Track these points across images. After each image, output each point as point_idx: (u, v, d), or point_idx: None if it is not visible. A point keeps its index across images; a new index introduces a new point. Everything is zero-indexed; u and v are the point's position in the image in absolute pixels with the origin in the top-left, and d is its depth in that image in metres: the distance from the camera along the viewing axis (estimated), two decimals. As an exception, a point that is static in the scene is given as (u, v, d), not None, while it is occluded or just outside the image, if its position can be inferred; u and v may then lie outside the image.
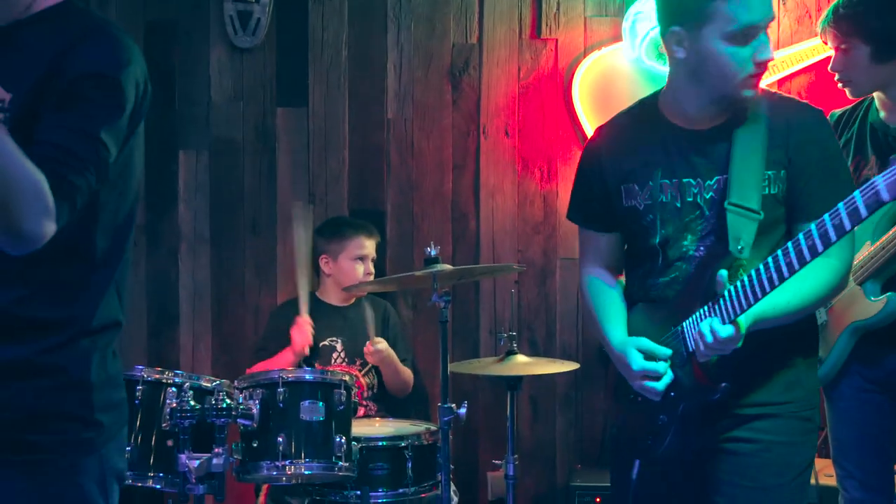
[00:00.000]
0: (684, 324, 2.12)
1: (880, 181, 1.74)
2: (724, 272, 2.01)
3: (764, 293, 1.96)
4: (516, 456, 3.18)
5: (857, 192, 1.79)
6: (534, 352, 3.88)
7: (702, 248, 2.15)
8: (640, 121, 2.26)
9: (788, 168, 2.11)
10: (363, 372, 3.59)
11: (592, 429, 3.90)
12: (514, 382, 3.19)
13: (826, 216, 1.84)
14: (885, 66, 2.66)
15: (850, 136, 2.78)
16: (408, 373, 3.67)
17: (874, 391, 2.72)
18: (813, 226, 1.86)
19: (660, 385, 2.11)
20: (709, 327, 2.00)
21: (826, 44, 2.81)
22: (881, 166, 2.67)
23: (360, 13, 4.01)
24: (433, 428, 3.19)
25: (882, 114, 2.74)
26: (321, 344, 3.61)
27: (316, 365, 3.53)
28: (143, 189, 1.86)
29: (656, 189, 2.18)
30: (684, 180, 2.16)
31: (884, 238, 2.58)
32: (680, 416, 2.14)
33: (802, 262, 1.89)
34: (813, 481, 3.18)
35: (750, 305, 1.98)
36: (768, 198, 2.10)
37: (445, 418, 2.91)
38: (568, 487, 3.61)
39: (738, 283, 1.99)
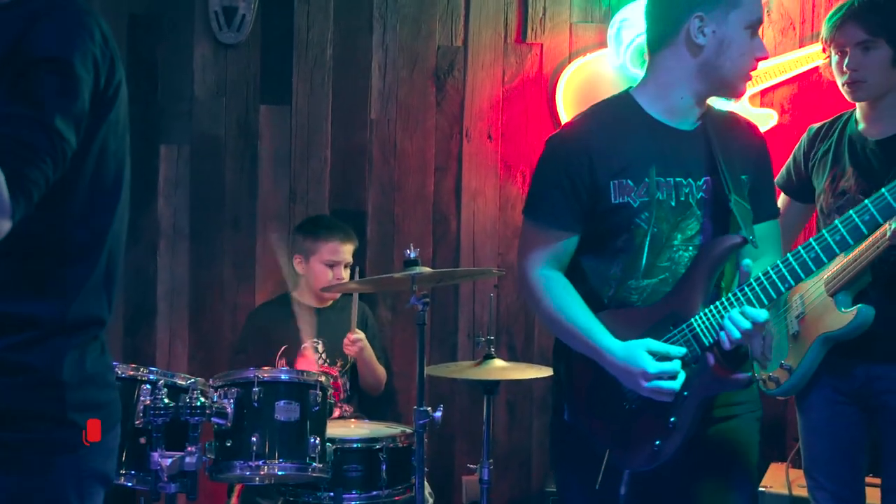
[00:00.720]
0: (694, 319, 2.11)
1: (885, 191, 1.99)
2: (748, 260, 2.08)
3: (798, 280, 2.06)
4: (491, 460, 3.18)
5: (883, 189, 2.00)
6: (512, 356, 3.88)
7: (691, 248, 2.16)
8: (623, 115, 2.22)
9: (752, 175, 2.23)
10: (342, 373, 3.59)
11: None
12: (491, 387, 3.19)
13: (866, 203, 2.02)
14: (894, 74, 2.67)
15: (828, 148, 2.79)
16: (382, 371, 3.67)
17: (845, 402, 2.73)
18: (852, 213, 2.03)
19: (676, 384, 2.08)
20: (740, 314, 2.05)
21: (829, 44, 2.72)
22: (858, 177, 2.69)
23: (345, 12, 4.00)
24: (408, 430, 3.18)
25: (861, 126, 2.75)
26: (303, 346, 3.59)
27: (296, 366, 3.52)
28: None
29: (653, 185, 2.16)
30: (678, 179, 2.17)
31: (857, 250, 2.59)
32: (692, 415, 2.13)
33: (844, 246, 2.05)
34: (786, 491, 3.20)
35: (784, 291, 2.07)
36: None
37: (421, 421, 2.91)
38: (542, 493, 3.61)
39: (771, 270, 2.07)
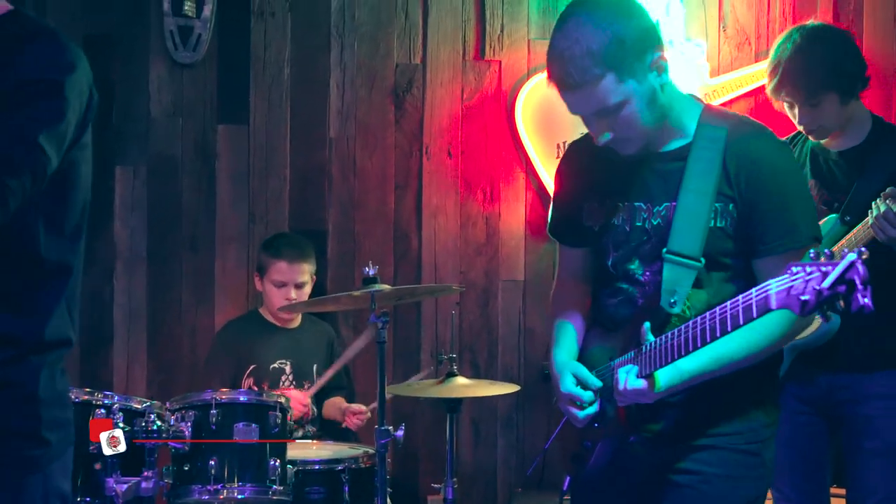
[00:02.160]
0: (614, 362, 2.12)
1: (773, 286, 1.69)
2: (647, 324, 2.02)
3: (680, 355, 1.94)
4: (455, 479, 3.15)
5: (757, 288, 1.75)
6: (475, 374, 3.86)
7: (648, 274, 2.12)
8: None
9: (738, 201, 2.05)
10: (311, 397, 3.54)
11: (533, 452, 3.88)
12: (454, 405, 3.17)
13: (740, 297, 1.79)
14: (849, 105, 2.69)
15: (790, 162, 2.80)
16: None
17: (809, 413, 2.74)
18: (728, 303, 1.82)
19: (582, 413, 2.11)
20: (624, 374, 2.02)
21: (773, 98, 2.74)
22: (820, 189, 2.71)
23: (303, 31, 3.98)
24: (371, 451, 3.14)
25: (823, 139, 2.77)
26: (271, 366, 3.55)
27: (264, 387, 3.48)
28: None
29: (610, 211, 2.16)
30: (636, 204, 2.13)
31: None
32: (602, 448, 2.15)
33: (714, 337, 1.86)
34: None
35: (665, 364, 1.97)
36: (715, 231, 2.05)
37: (382, 441, 2.87)
38: (508, 511, 3.59)
39: (659, 340, 1.98)
